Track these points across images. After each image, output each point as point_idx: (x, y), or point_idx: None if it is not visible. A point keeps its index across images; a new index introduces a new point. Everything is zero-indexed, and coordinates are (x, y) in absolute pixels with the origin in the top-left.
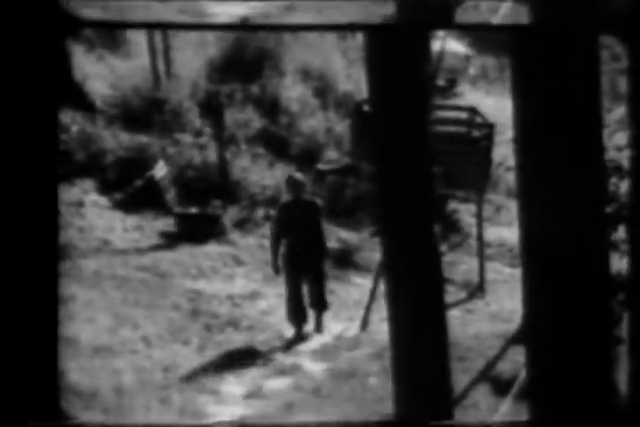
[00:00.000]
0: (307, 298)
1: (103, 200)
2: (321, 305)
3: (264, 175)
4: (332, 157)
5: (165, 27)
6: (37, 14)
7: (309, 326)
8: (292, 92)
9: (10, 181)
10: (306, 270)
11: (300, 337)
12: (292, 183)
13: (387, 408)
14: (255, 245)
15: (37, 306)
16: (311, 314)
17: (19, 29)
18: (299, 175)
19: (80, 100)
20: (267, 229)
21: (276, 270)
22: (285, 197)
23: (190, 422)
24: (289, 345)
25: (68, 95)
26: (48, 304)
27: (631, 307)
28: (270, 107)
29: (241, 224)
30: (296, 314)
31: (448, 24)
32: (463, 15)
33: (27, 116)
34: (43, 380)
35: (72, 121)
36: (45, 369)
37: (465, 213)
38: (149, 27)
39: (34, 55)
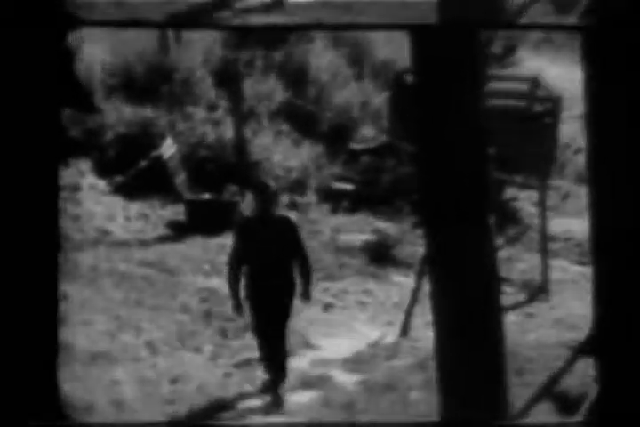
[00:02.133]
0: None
1: (102, 184)
2: (279, 370)
3: (288, 155)
4: (367, 135)
5: (167, 26)
6: (38, 14)
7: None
8: (322, 59)
9: (10, 182)
10: (271, 312)
11: (278, 399)
12: (260, 193)
13: None
14: None
15: (36, 304)
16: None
17: (20, 29)
18: (268, 182)
19: (81, 99)
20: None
21: (239, 310)
22: (250, 211)
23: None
24: (267, 409)
25: (69, 95)
26: (47, 301)
27: None
28: (296, 77)
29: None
30: (270, 368)
31: (496, 24)
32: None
33: (27, 115)
34: (43, 380)
35: None
36: (45, 369)
37: (525, 201)
38: (150, 26)
39: (34, 54)
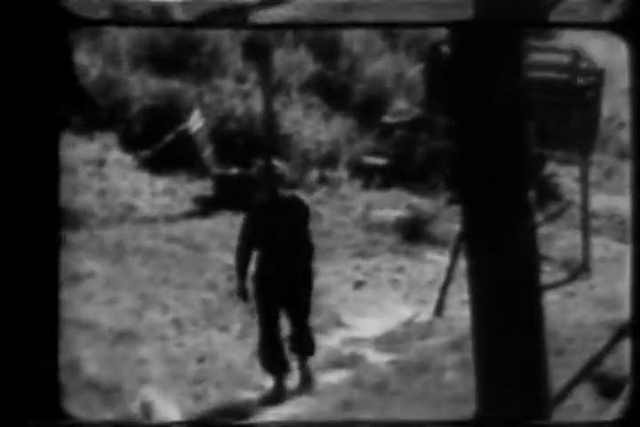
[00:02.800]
0: (286, 338)
1: (127, 158)
2: (305, 349)
3: (319, 129)
4: (400, 108)
5: (167, 26)
6: (38, 13)
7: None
8: (355, 30)
9: (10, 183)
10: (285, 300)
11: (281, 391)
12: (268, 173)
13: (467, 409)
14: None
15: (37, 306)
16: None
17: (20, 28)
18: (277, 162)
19: (81, 98)
20: (322, 195)
21: (244, 296)
22: (259, 192)
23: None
24: (265, 401)
25: (69, 94)
26: (47, 299)
27: None
28: (327, 48)
29: (291, 188)
30: (271, 360)
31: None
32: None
33: (27, 115)
34: (43, 380)
35: (91, 64)
36: (46, 368)
37: (566, 177)
38: (151, 25)
39: (35, 54)
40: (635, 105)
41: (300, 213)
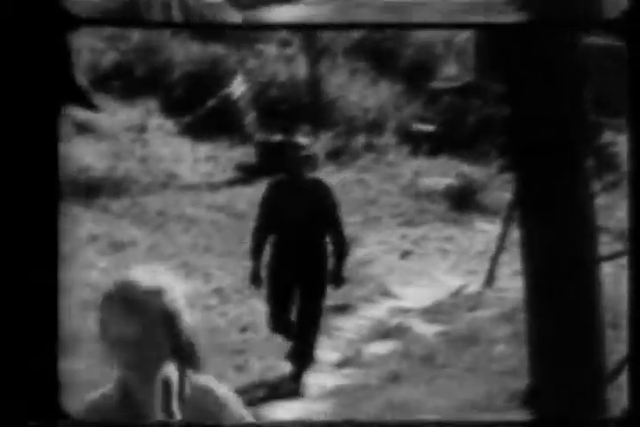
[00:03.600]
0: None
1: (169, 124)
2: (303, 358)
3: (365, 95)
4: (450, 74)
5: (167, 26)
6: (38, 12)
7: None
8: None
9: (9, 184)
10: (299, 290)
11: (297, 384)
12: (291, 152)
13: (518, 383)
14: (353, 180)
15: (36, 301)
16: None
17: (19, 27)
18: (300, 139)
19: (82, 98)
20: (368, 162)
21: (258, 282)
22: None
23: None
24: (278, 393)
25: (69, 93)
26: (47, 296)
27: None
28: None
29: (335, 155)
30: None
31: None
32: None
33: (27, 114)
34: (43, 379)
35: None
36: (45, 368)
37: (624, 145)
38: (150, 26)
39: (34, 53)
40: (633, 105)
41: (322, 199)
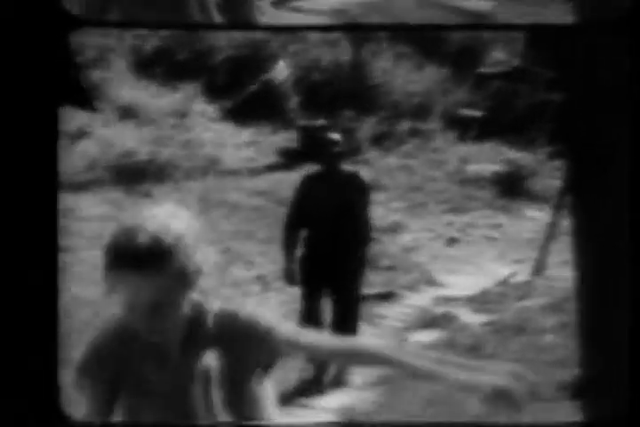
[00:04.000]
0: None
1: (210, 109)
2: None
3: (410, 79)
4: (498, 58)
5: (167, 27)
6: (39, 13)
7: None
8: None
9: (8, 185)
10: (332, 286)
11: (320, 381)
12: (325, 146)
13: (567, 374)
14: (397, 166)
15: (35, 300)
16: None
17: (20, 28)
18: (335, 135)
19: (82, 98)
20: (412, 147)
21: (292, 278)
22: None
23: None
24: (303, 390)
25: (69, 94)
26: (47, 296)
27: None
28: None
29: (379, 140)
30: None
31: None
32: None
33: (27, 114)
34: (43, 380)
35: None
36: (45, 368)
37: None
38: (150, 27)
39: (35, 54)
40: (635, 106)
41: (358, 193)
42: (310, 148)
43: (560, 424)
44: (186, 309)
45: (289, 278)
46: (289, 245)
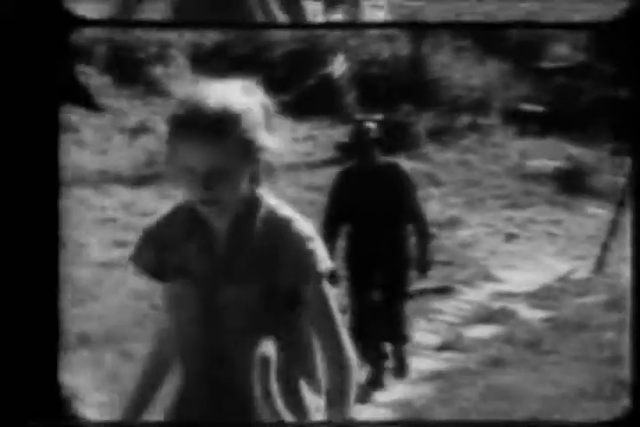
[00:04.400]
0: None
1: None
2: (397, 337)
3: (470, 73)
4: (560, 53)
5: (168, 27)
6: (39, 13)
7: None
8: None
9: (9, 186)
10: (379, 282)
11: (378, 382)
12: (360, 135)
13: (625, 372)
14: (456, 161)
15: (37, 303)
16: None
17: (20, 28)
18: (372, 124)
19: (82, 98)
20: (471, 142)
21: (334, 278)
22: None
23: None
24: (363, 397)
25: (70, 94)
26: (49, 283)
27: None
28: None
29: (438, 135)
30: (366, 349)
31: None
32: None
33: (28, 114)
34: (43, 379)
35: None
36: (46, 368)
37: None
38: (151, 27)
39: (35, 54)
40: (635, 107)
41: (399, 185)
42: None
43: (568, 424)
44: (243, 191)
45: (331, 278)
46: (327, 242)
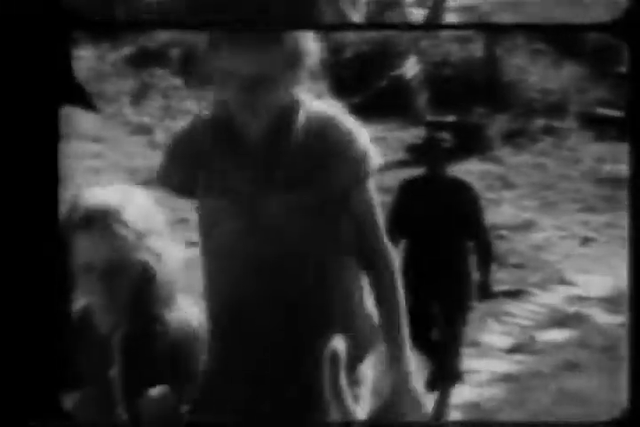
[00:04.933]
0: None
1: (339, 105)
2: (449, 376)
3: (546, 76)
4: None
5: (169, 27)
6: (39, 13)
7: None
8: None
9: (9, 188)
10: (438, 303)
11: (442, 408)
12: (432, 144)
13: None
14: (530, 164)
15: (37, 302)
16: None
17: (20, 28)
18: (445, 135)
19: (82, 98)
20: (546, 145)
21: None
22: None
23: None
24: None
25: (69, 94)
26: (48, 294)
27: None
28: None
29: (512, 137)
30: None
31: None
32: None
33: (28, 114)
34: (43, 379)
35: None
36: (46, 367)
37: None
38: (152, 27)
39: (35, 54)
40: (633, 107)
41: (463, 202)
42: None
43: (568, 424)
44: (283, 97)
45: None
46: None
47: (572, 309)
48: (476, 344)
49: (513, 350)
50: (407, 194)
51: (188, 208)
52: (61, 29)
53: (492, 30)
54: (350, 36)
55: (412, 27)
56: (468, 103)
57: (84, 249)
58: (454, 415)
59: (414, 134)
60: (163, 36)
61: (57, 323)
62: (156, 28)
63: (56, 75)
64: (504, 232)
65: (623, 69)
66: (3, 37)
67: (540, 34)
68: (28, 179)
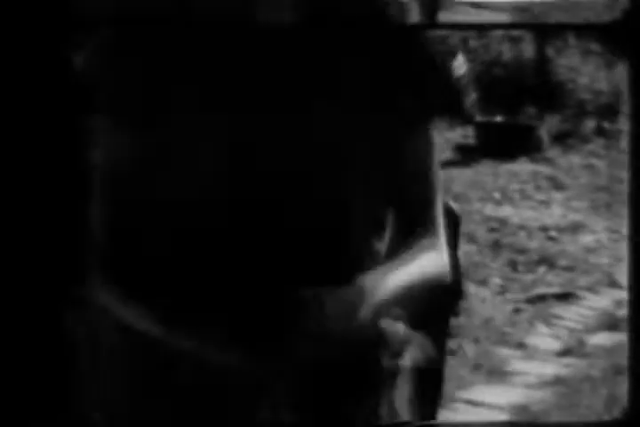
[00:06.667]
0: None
1: None
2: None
3: (598, 77)
4: None
5: (171, 26)
6: (43, 13)
7: None
8: None
9: (11, 190)
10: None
11: None
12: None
13: None
14: (580, 165)
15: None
16: None
17: (24, 28)
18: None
19: (85, 99)
20: (597, 147)
21: None
22: None
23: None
24: None
25: (71, 95)
26: (48, 294)
27: None
28: None
29: (562, 138)
30: None
31: None
32: None
33: (27, 115)
34: (45, 379)
35: None
36: (47, 367)
37: None
38: (159, 24)
39: (35, 55)
40: (634, 108)
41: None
42: (488, 144)
43: (568, 424)
44: None
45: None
46: None
47: (621, 312)
48: (521, 346)
49: (562, 353)
50: None
51: None
52: (62, 30)
53: (487, 29)
54: None
55: (466, 27)
56: (518, 103)
57: None
58: (499, 417)
59: (462, 134)
60: None
61: (61, 322)
62: (157, 29)
63: (57, 75)
64: (553, 233)
65: None
66: (6, 37)
67: (592, 34)
68: (28, 183)
